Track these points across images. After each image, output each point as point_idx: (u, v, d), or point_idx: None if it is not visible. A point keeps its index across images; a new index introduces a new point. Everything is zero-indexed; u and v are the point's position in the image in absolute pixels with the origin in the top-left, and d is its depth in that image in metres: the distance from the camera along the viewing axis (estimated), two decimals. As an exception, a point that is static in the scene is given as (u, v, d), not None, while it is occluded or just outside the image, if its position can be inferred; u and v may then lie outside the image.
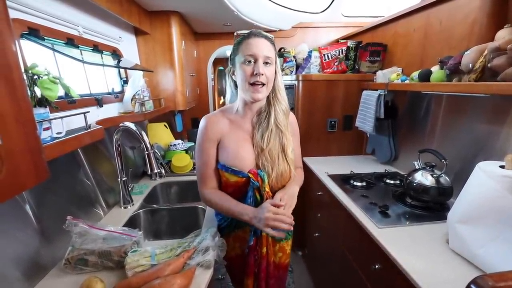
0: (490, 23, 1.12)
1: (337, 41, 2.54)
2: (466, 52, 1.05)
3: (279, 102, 0.97)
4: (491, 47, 0.93)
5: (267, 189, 0.95)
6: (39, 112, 0.76)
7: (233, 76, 0.97)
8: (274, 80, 0.94)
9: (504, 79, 0.89)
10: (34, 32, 0.92)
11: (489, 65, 0.94)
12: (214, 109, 3.32)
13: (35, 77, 0.76)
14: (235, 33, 0.94)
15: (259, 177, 0.93)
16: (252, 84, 0.88)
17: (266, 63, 0.89)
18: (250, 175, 0.93)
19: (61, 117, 0.87)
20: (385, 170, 1.74)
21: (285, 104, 0.99)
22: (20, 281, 0.79)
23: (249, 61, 0.87)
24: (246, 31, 0.91)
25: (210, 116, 1.00)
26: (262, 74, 0.87)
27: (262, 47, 0.87)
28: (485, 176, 0.83)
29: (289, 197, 0.95)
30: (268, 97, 0.97)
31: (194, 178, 1.75)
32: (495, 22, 1.11)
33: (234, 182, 0.96)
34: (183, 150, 2.05)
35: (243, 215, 0.91)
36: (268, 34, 0.91)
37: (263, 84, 0.89)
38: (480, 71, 0.99)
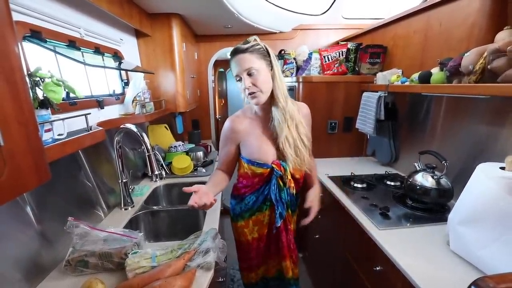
0: (489, 25, 1.13)
1: (337, 43, 2.55)
2: (466, 54, 1.05)
3: (277, 101, 1.04)
4: (491, 48, 0.93)
5: (289, 177, 1.10)
6: (41, 113, 0.77)
7: None
8: (274, 81, 1.02)
9: (504, 80, 0.89)
10: (36, 35, 0.93)
11: (489, 66, 0.94)
12: (215, 111, 3.34)
13: (38, 79, 0.76)
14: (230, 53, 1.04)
15: (281, 167, 1.08)
16: (248, 94, 1.01)
17: (250, 74, 0.97)
18: (274, 166, 1.08)
19: (63, 119, 0.87)
20: (386, 171, 1.74)
21: (282, 102, 1.04)
22: (21, 282, 0.79)
23: (238, 79, 1.01)
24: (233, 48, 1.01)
25: (234, 118, 1.14)
26: (249, 87, 0.98)
27: (242, 64, 0.97)
28: (485, 177, 0.83)
29: (316, 203, 1.19)
30: (271, 96, 1.04)
31: (194, 179, 1.77)
32: (495, 24, 1.11)
33: (260, 173, 1.10)
34: (184, 151, 2.05)
35: None
36: (250, 44, 0.98)
37: (255, 92, 0.99)
38: (480, 73, 0.99)
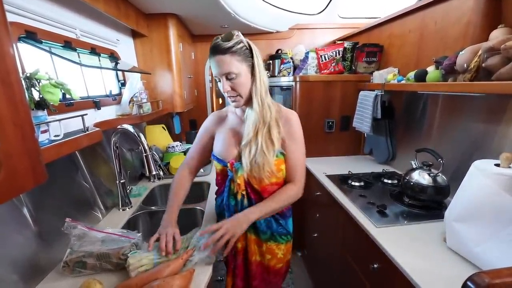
0: (484, 23, 1.14)
1: (333, 42, 2.56)
2: (461, 52, 1.06)
3: (252, 103, 0.97)
4: (485, 47, 0.94)
5: (239, 181, 0.99)
6: (37, 115, 0.77)
7: None
8: (253, 83, 0.95)
9: (498, 78, 0.90)
10: (32, 36, 0.92)
11: (483, 64, 0.95)
12: (212, 111, 3.33)
13: (33, 80, 0.76)
14: None
15: (233, 168, 1.00)
16: (228, 96, 0.96)
17: (229, 78, 0.91)
18: (228, 164, 1.01)
19: (59, 120, 0.87)
20: (383, 169, 1.75)
21: (256, 104, 0.96)
22: (18, 284, 0.78)
23: (218, 80, 0.94)
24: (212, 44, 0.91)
25: (216, 112, 1.15)
26: (228, 91, 0.93)
27: (221, 66, 0.89)
28: (480, 174, 0.84)
29: (230, 226, 0.92)
30: (250, 99, 0.97)
31: (192, 179, 1.77)
32: (489, 23, 1.12)
33: (220, 170, 1.07)
34: (181, 152, 2.05)
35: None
36: (232, 43, 0.88)
37: (234, 96, 0.95)
38: (475, 71, 1.00)
